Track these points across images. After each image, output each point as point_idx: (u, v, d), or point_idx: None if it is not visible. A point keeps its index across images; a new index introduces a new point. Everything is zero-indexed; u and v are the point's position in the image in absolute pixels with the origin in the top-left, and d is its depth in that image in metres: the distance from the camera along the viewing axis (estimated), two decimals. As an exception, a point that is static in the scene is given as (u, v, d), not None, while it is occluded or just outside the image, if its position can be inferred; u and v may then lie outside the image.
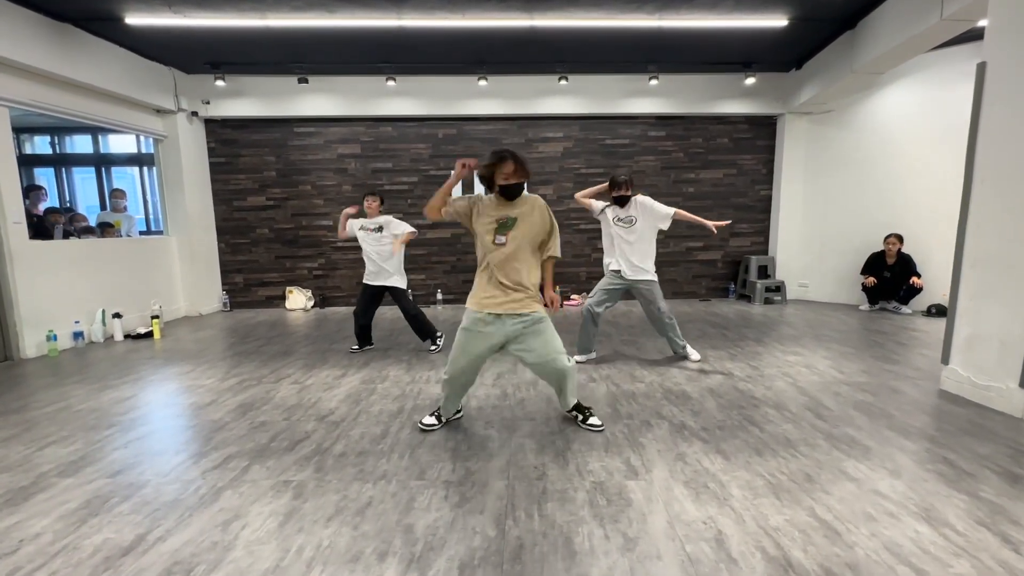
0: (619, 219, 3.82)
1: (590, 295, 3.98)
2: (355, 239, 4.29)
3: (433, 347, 4.43)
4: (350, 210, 4.28)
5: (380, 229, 4.21)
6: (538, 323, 2.54)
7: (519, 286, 2.50)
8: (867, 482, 2.12)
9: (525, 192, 2.58)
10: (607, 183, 3.87)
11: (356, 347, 4.48)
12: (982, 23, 3.75)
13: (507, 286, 2.49)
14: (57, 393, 3.44)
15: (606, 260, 3.94)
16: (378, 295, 4.30)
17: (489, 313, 2.50)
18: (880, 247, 6.04)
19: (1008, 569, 1.59)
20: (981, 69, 2.99)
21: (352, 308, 6.76)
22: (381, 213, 4.27)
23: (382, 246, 4.19)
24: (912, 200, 5.95)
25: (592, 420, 2.74)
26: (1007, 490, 2.05)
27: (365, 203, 4.24)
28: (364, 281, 4.29)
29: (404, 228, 4.20)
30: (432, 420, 2.76)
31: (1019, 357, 2.76)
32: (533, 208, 2.54)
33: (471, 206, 2.56)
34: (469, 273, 6.96)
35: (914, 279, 5.70)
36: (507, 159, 2.43)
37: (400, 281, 4.29)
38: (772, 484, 2.12)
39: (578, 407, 2.79)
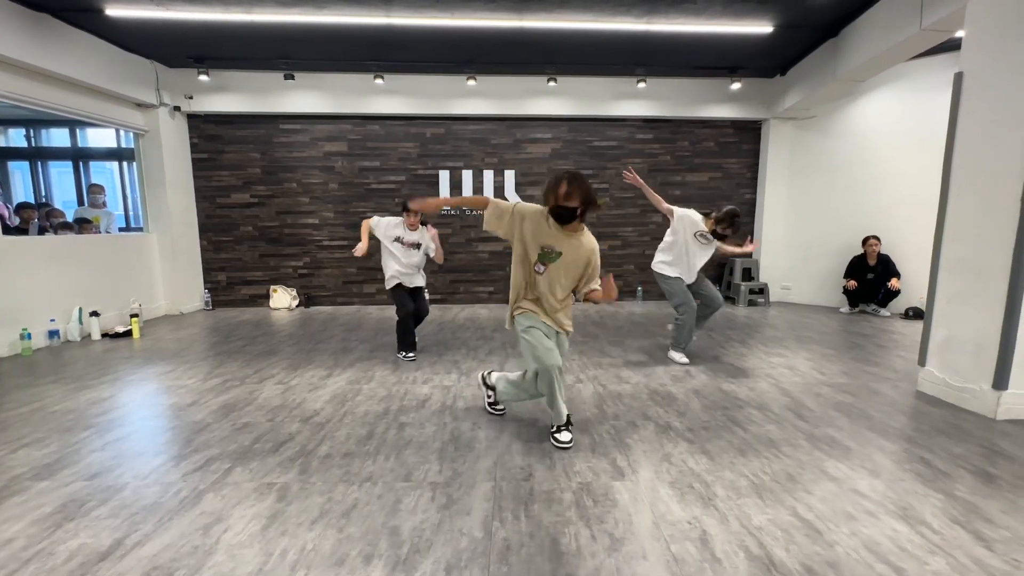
0: (703, 235, 3.91)
1: (679, 301, 3.94)
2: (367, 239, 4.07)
3: (411, 356, 4.16)
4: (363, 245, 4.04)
5: (418, 246, 4.12)
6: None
7: (551, 307, 2.60)
8: (847, 482, 2.17)
9: (584, 227, 2.52)
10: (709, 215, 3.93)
11: (411, 355, 4.14)
12: (959, 34, 3.85)
13: (544, 307, 2.61)
14: (31, 393, 3.34)
15: (669, 269, 3.97)
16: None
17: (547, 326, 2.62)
18: (860, 251, 6.17)
19: (981, 566, 1.63)
20: (958, 79, 3.07)
21: (337, 307, 6.70)
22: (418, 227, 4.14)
23: (417, 259, 4.15)
24: (891, 205, 6.09)
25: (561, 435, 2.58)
26: (981, 489, 2.10)
27: (407, 219, 4.01)
28: (402, 283, 4.11)
29: (434, 246, 4.17)
30: (567, 435, 2.54)
31: (993, 359, 2.84)
32: (580, 247, 2.51)
33: (516, 219, 2.52)
34: (457, 273, 6.94)
35: (893, 281, 5.84)
36: (562, 180, 2.36)
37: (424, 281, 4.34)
38: (755, 484, 2.15)
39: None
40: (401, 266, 4.10)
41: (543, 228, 2.48)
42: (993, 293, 2.85)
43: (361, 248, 3.97)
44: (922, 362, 3.32)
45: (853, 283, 6.07)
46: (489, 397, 2.95)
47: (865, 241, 6.05)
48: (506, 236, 2.58)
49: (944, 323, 3.17)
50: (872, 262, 6.03)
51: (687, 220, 3.89)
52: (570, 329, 2.70)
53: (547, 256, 2.51)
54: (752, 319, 5.85)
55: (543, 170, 6.89)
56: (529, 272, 2.57)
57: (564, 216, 2.41)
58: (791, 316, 6.03)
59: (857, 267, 6.14)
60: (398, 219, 4.10)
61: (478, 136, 6.77)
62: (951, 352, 3.11)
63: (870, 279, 6.03)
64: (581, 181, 2.37)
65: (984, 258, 2.92)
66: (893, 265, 5.94)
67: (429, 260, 4.28)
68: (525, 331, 2.55)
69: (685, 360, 4.01)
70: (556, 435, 2.54)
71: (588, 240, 2.55)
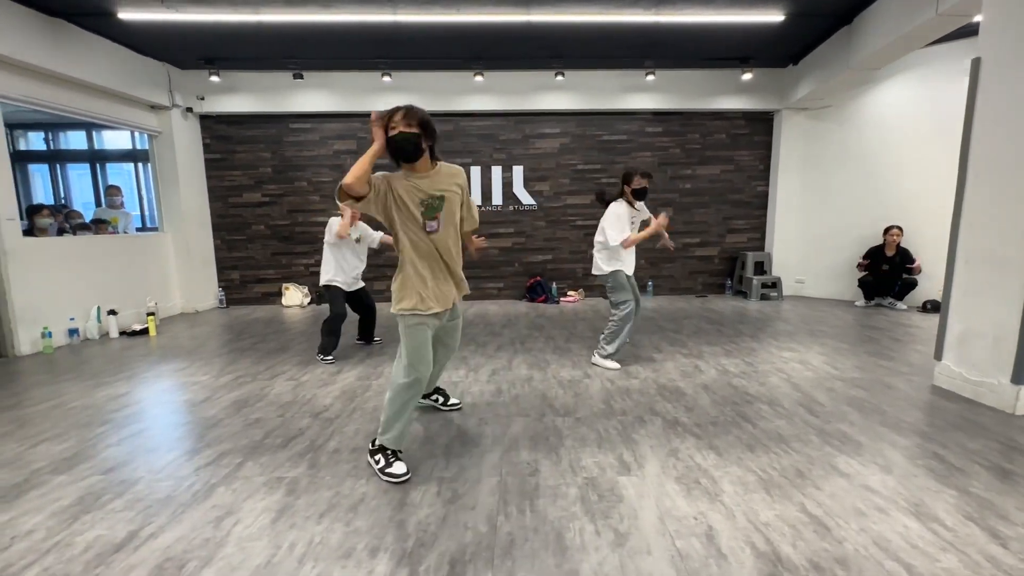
0: (636, 221, 3.66)
1: (622, 299, 3.66)
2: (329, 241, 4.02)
3: (331, 359, 4.04)
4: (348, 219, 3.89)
5: (359, 240, 4.12)
6: (458, 317, 2.63)
7: (452, 270, 2.33)
8: (858, 477, 2.13)
9: (441, 161, 2.26)
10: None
11: (330, 359, 4.07)
12: (977, 18, 3.74)
13: (448, 276, 2.33)
14: (51, 390, 3.43)
15: (619, 266, 3.64)
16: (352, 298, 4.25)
17: (434, 314, 2.27)
18: (876, 243, 6.05)
19: (995, 564, 1.60)
20: (975, 65, 2.99)
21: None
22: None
23: (362, 258, 4.21)
24: (908, 196, 5.96)
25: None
26: (996, 485, 2.06)
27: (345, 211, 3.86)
28: (342, 287, 4.05)
29: (377, 235, 4.25)
30: (402, 467, 2.17)
31: (1011, 353, 2.77)
32: (451, 178, 2.25)
33: (386, 185, 2.13)
34: (466, 270, 6.93)
35: (916, 264, 5.73)
36: (398, 109, 2.08)
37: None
38: (763, 480, 2.13)
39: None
40: (353, 263, 4.12)
41: (408, 180, 2.15)
42: (1011, 285, 2.78)
43: (345, 225, 3.82)
44: (938, 356, 3.25)
45: (865, 263, 5.95)
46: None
47: (887, 231, 5.93)
48: (381, 213, 2.16)
49: (961, 316, 3.09)
50: (891, 252, 5.90)
51: (624, 213, 3.58)
52: (467, 290, 2.48)
53: (432, 208, 2.17)
54: (764, 313, 5.78)
55: (552, 165, 6.87)
56: (420, 240, 2.20)
57: (407, 145, 2.07)
58: (804, 310, 5.94)
59: (873, 258, 6.02)
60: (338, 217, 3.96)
61: (486, 132, 6.76)
62: (968, 346, 3.04)
63: (886, 270, 5.91)
64: (415, 109, 2.10)
65: (1002, 249, 2.84)
66: (911, 255, 5.82)
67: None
68: (414, 327, 2.20)
69: (616, 366, 3.74)
70: (388, 469, 2.14)
71: (449, 168, 2.28)
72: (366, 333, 4.51)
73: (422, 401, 2.95)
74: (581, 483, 2.12)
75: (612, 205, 3.63)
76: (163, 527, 1.86)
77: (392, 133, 2.06)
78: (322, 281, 4.10)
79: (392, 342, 4.64)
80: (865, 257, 6.10)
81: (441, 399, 2.98)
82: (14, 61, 4.29)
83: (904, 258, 5.83)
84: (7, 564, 1.67)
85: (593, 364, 3.85)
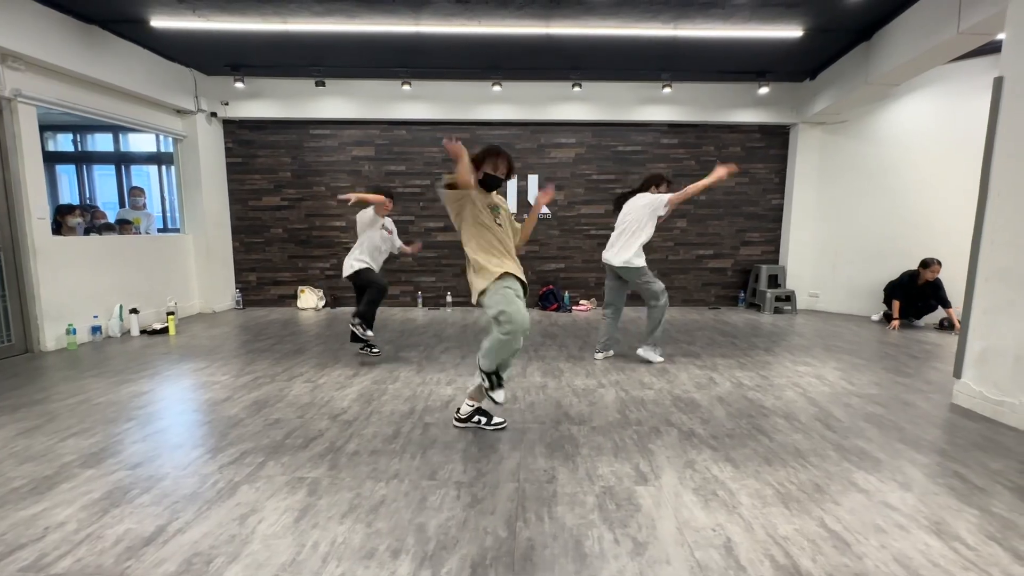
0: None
1: (661, 286, 4.15)
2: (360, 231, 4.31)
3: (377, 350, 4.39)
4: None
5: (390, 232, 4.43)
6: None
7: (514, 256, 2.80)
8: (877, 494, 2.13)
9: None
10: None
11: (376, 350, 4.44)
12: (1000, 36, 3.74)
13: (511, 255, 2.77)
14: (76, 386, 3.52)
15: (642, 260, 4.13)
16: None
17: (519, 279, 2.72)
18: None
19: (1019, 584, 1.59)
20: (998, 83, 2.99)
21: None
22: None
23: (388, 246, 4.43)
24: (926, 212, 5.92)
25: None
26: (1020, 506, 2.04)
27: (388, 205, 4.21)
28: (374, 267, 4.26)
29: (399, 242, 4.53)
30: (502, 394, 2.70)
31: (1033, 373, 2.75)
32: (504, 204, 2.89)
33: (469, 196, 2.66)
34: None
35: (950, 312, 5.48)
36: (503, 154, 2.71)
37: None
38: (781, 493, 2.13)
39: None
40: (381, 251, 4.33)
41: (483, 194, 2.72)
42: (1034, 304, 2.76)
43: (352, 196, 4.12)
44: (958, 374, 3.23)
45: (897, 323, 5.64)
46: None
47: (930, 266, 5.53)
48: (458, 209, 2.65)
49: (981, 334, 3.07)
50: (921, 282, 5.61)
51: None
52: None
53: (496, 211, 2.72)
54: (778, 327, 5.75)
55: (567, 174, 6.92)
56: (492, 228, 2.68)
57: (494, 185, 2.73)
58: (819, 324, 5.90)
59: (908, 286, 5.67)
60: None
61: (502, 141, 6.82)
62: (989, 364, 3.02)
63: (913, 296, 5.66)
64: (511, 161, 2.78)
65: (1025, 268, 2.82)
66: (943, 291, 5.53)
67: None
68: (503, 290, 2.58)
69: (662, 359, 4.18)
70: (492, 392, 2.68)
71: (500, 199, 2.89)
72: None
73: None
74: (598, 492, 2.14)
75: (647, 194, 4.28)
76: (190, 523, 1.90)
77: (498, 174, 2.70)
78: (355, 269, 4.16)
79: (399, 344, 4.69)
80: (899, 287, 5.74)
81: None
82: (51, 66, 4.44)
83: (936, 290, 5.55)
84: (42, 553, 1.72)
85: (643, 358, 4.19)
